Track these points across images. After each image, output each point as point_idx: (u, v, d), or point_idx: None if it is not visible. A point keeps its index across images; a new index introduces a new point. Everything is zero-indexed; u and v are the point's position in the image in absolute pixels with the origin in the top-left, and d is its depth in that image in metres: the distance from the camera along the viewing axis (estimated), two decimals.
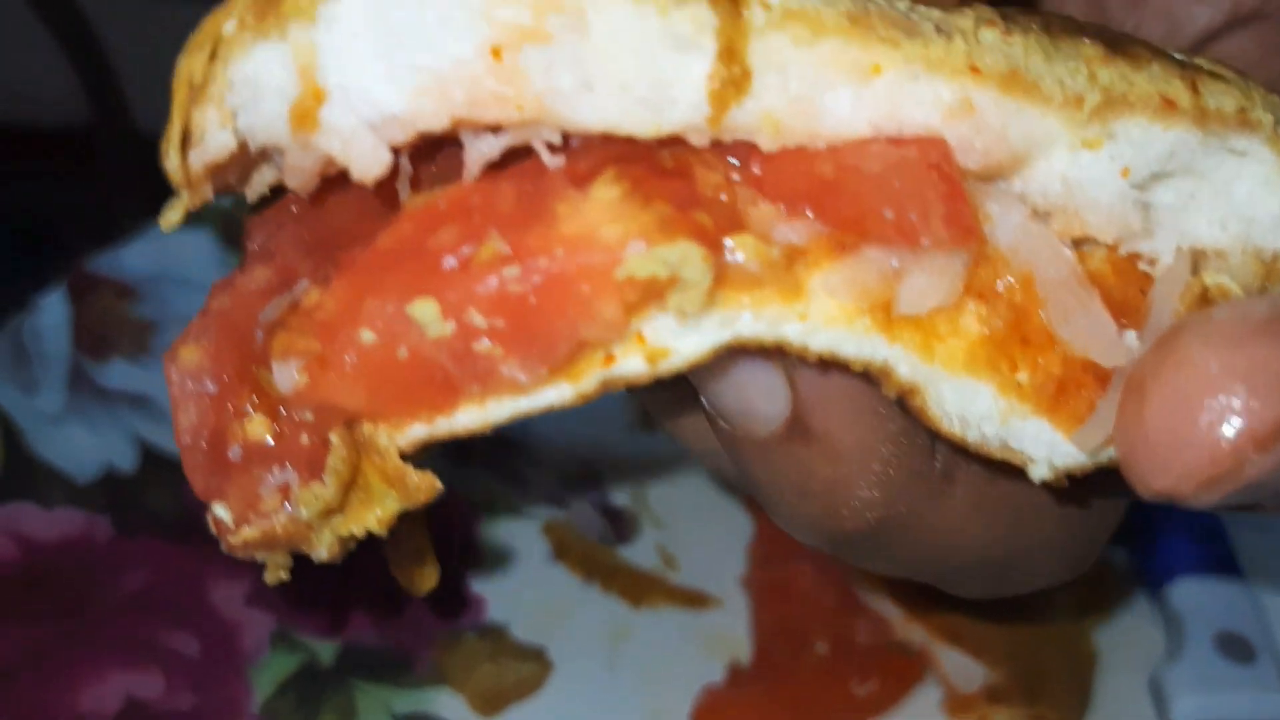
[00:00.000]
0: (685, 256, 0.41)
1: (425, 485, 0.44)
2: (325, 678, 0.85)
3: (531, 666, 0.87)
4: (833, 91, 0.42)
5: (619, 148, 0.43)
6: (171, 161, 0.42)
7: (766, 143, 0.43)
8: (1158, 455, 0.39)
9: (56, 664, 0.82)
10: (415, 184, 0.46)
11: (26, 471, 0.93)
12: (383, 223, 0.46)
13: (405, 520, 0.46)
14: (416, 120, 0.42)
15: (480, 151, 0.43)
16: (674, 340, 0.43)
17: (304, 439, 0.44)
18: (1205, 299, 0.46)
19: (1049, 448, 0.46)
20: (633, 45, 0.41)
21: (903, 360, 0.44)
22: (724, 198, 0.44)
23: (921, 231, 0.42)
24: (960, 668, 0.89)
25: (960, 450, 0.47)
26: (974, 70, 0.43)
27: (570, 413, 0.46)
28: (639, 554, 0.95)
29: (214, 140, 0.42)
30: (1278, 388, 0.39)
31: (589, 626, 0.90)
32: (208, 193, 0.44)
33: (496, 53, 0.41)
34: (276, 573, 0.47)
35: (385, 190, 0.45)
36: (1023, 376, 0.45)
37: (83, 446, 0.96)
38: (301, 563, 0.47)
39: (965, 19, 0.44)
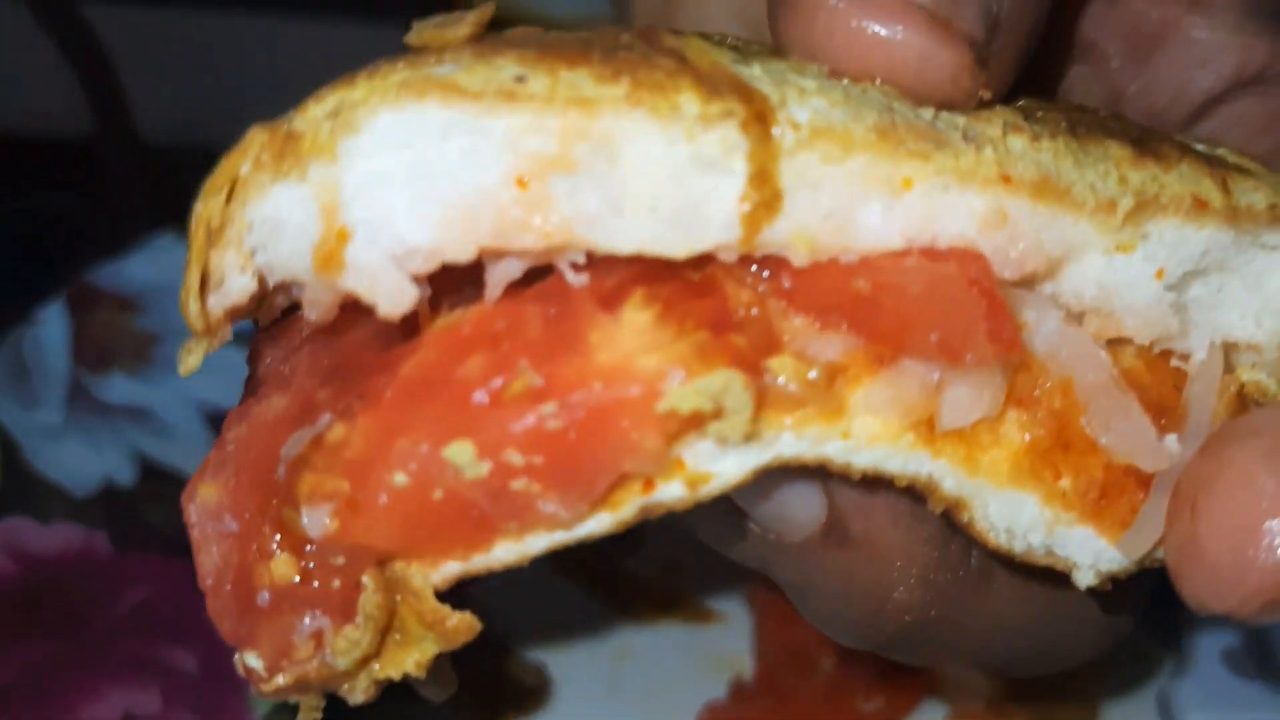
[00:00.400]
0: (726, 386, 0.40)
1: (464, 626, 0.43)
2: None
3: (532, 684, 0.85)
4: (865, 206, 0.42)
5: (643, 264, 0.42)
6: (192, 309, 0.41)
7: (798, 258, 0.42)
8: (1219, 578, 0.39)
9: (55, 681, 0.81)
10: (433, 301, 0.44)
11: (24, 486, 0.92)
12: (402, 347, 0.44)
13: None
14: (442, 252, 0.41)
15: (503, 273, 0.42)
16: (714, 465, 0.42)
17: (335, 582, 0.43)
18: (1243, 397, 0.45)
19: (1094, 555, 0.46)
20: (662, 170, 0.40)
21: (948, 475, 0.44)
22: (755, 313, 0.43)
23: (965, 348, 0.41)
24: (965, 684, 0.88)
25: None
26: (1005, 180, 0.42)
27: None
28: (642, 567, 0.93)
29: (234, 284, 0.41)
30: None
31: (590, 643, 0.88)
32: (228, 334, 0.43)
33: (522, 182, 0.40)
34: (310, 714, 0.45)
35: None
36: (1065, 483, 0.45)
37: (81, 460, 0.94)
38: None
39: (993, 126, 0.43)
